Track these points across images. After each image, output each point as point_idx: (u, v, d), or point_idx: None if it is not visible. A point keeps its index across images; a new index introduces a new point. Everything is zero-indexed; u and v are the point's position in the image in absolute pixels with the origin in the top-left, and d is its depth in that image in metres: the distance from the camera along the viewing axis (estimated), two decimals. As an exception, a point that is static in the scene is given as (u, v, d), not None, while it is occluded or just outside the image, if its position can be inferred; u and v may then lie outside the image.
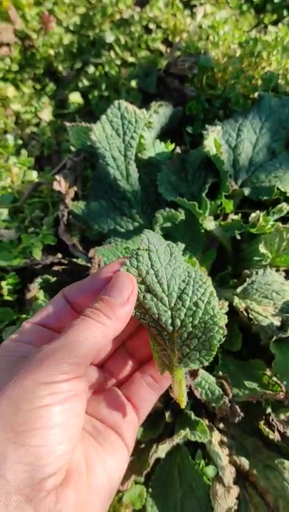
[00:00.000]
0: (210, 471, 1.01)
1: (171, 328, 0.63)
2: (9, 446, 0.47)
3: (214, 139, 1.12)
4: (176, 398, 0.63)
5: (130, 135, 1.15)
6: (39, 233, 1.26)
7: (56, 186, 1.24)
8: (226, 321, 0.63)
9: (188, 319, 0.62)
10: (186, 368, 0.64)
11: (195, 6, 1.75)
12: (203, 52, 1.41)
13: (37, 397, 0.49)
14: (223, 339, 0.62)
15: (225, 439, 1.02)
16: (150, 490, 1.04)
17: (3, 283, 1.22)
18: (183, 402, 0.63)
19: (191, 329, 0.62)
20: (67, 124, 1.22)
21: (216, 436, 1.01)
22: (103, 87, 1.67)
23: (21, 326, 0.63)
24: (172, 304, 0.64)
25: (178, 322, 0.63)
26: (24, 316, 1.14)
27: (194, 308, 0.62)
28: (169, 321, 0.63)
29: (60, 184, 1.25)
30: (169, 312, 0.63)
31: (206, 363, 0.62)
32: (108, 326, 0.57)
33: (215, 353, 0.62)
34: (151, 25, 1.71)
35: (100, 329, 0.56)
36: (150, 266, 0.63)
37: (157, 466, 1.04)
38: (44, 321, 0.63)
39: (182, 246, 0.70)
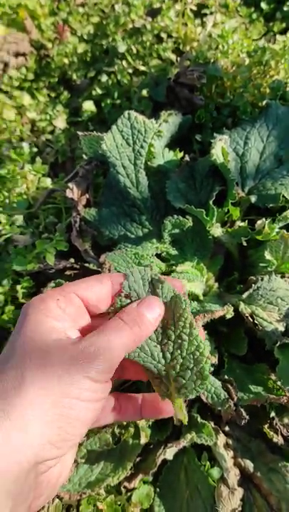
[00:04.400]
0: (215, 472, 1.03)
1: (163, 360, 0.69)
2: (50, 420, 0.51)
3: (221, 148, 1.14)
4: (180, 419, 0.72)
5: (140, 144, 1.19)
6: (52, 239, 1.30)
7: (69, 194, 1.28)
8: (210, 348, 0.70)
9: (177, 352, 0.68)
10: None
11: (206, 15, 1.77)
12: (213, 61, 1.44)
13: (82, 388, 0.54)
14: (212, 369, 0.68)
15: (230, 442, 1.04)
16: (158, 490, 1.07)
17: (18, 287, 1.27)
18: (185, 420, 0.71)
19: (181, 360, 0.68)
20: (80, 133, 1.26)
21: (222, 439, 1.03)
22: (115, 95, 1.71)
23: (65, 291, 0.64)
24: (160, 339, 0.69)
25: (168, 355, 0.68)
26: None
27: (179, 341, 0.67)
28: (160, 355, 0.69)
29: (73, 191, 1.29)
30: (159, 347, 0.69)
31: (200, 392, 0.69)
32: (136, 333, 0.62)
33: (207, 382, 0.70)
34: (163, 35, 1.75)
35: (131, 336, 0.61)
36: None
37: (164, 467, 1.07)
38: (87, 299, 0.65)
39: (156, 272, 0.73)
